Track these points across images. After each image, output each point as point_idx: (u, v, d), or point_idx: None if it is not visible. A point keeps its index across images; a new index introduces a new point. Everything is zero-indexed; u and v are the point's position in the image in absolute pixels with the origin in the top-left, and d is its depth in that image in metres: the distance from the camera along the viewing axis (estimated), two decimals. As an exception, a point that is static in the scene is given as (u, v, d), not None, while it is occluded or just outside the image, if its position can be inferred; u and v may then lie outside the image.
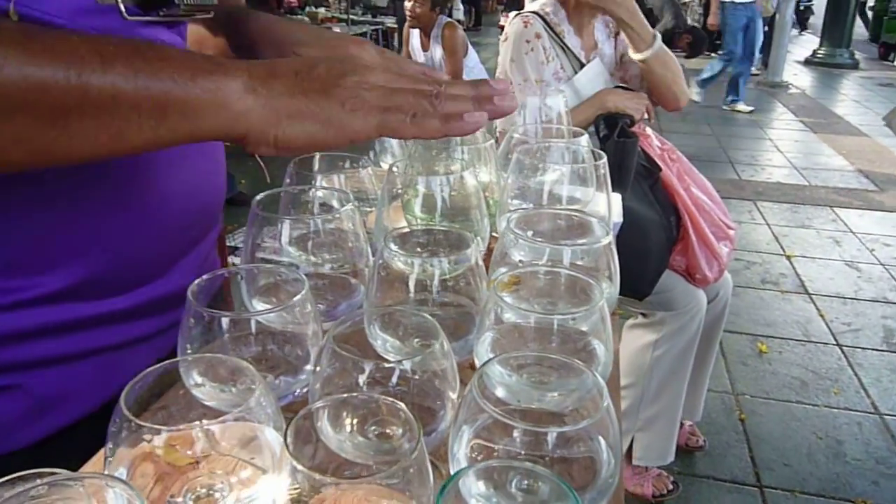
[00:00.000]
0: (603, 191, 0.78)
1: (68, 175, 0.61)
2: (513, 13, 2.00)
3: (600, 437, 0.42)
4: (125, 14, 0.61)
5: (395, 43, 9.03)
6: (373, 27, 8.84)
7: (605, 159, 0.73)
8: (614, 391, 0.73)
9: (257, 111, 0.52)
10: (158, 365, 0.42)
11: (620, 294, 2.00)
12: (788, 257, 3.73)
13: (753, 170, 5.37)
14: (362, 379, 0.45)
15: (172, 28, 0.72)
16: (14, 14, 0.53)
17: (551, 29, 1.85)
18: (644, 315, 1.93)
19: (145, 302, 0.71)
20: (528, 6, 1.94)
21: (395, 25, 9.10)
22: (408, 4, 4.25)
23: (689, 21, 10.57)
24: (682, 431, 2.21)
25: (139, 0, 0.64)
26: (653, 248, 1.75)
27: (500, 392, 0.48)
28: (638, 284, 1.75)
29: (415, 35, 4.45)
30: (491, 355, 0.51)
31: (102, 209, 0.64)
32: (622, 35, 1.90)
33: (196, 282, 0.51)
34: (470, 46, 4.49)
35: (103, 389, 0.66)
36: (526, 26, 1.84)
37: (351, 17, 9.21)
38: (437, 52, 4.30)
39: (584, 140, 0.82)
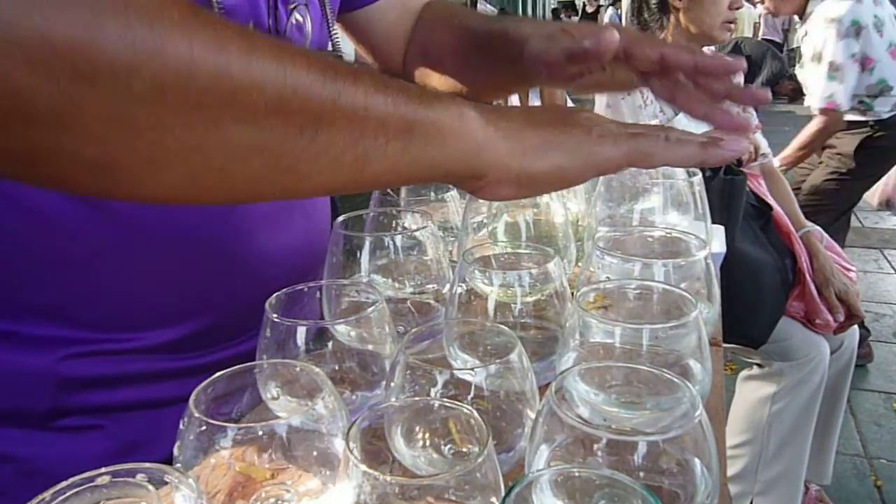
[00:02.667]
0: (701, 218, 0.74)
1: (174, 235, 0.63)
2: (608, 58, 1.99)
3: (696, 459, 0.37)
4: None
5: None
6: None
7: (699, 176, 0.69)
8: (718, 436, 0.67)
9: (499, 142, 0.47)
10: (230, 369, 0.42)
11: (733, 342, 1.89)
12: (925, 309, 3.41)
13: (877, 216, 5.00)
14: (437, 391, 0.43)
15: None
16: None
17: (648, 72, 1.83)
18: (760, 366, 1.80)
19: (239, 355, 0.70)
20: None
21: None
22: None
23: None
24: (808, 497, 2.01)
25: None
26: (767, 292, 1.64)
27: (583, 411, 0.44)
28: (752, 331, 1.64)
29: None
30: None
31: (205, 269, 0.65)
32: None
33: (275, 295, 0.51)
34: (569, 99, 4.49)
35: None
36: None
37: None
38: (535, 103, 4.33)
39: (679, 169, 0.78)
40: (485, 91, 0.83)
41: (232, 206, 0.64)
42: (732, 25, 1.79)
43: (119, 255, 0.62)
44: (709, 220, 0.74)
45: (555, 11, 10.06)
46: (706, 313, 0.56)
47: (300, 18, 0.71)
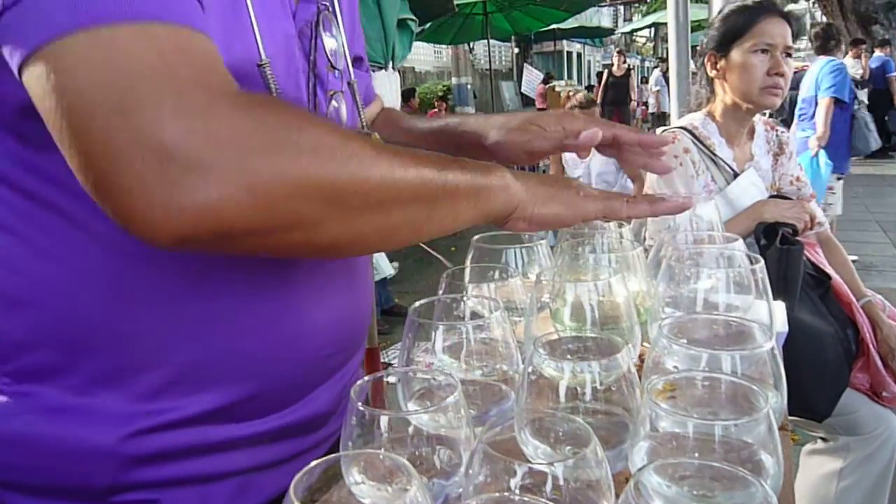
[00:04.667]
0: (763, 298, 0.75)
1: (231, 303, 0.66)
2: (660, 129, 2.02)
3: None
4: None
5: (540, 166, 9.32)
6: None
7: (762, 263, 0.70)
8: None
9: (523, 194, 0.71)
10: (324, 458, 0.44)
11: (796, 415, 1.85)
12: None
13: (944, 279, 4.82)
14: (514, 483, 0.45)
15: None
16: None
17: (701, 142, 1.84)
18: (824, 440, 1.75)
19: (283, 426, 0.73)
20: (677, 122, 1.96)
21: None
22: (567, 106, 4.37)
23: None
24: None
25: None
26: (830, 364, 1.61)
27: (658, 504, 0.45)
28: (816, 404, 1.60)
29: None
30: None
31: (251, 336, 0.68)
32: (784, 156, 1.90)
33: (359, 382, 0.54)
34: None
35: None
36: (674, 142, 1.84)
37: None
38: (599, 160, 4.32)
39: (739, 245, 0.80)
40: None
41: (281, 278, 0.69)
42: (778, 91, 1.79)
43: (182, 321, 0.65)
44: (771, 301, 0.75)
45: (599, 74, 10.26)
46: (774, 402, 0.56)
47: (337, 104, 0.80)
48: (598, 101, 9.46)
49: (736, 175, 1.85)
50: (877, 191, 8.01)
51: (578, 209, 0.74)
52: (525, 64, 14.39)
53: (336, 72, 0.80)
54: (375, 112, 1.05)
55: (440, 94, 13.59)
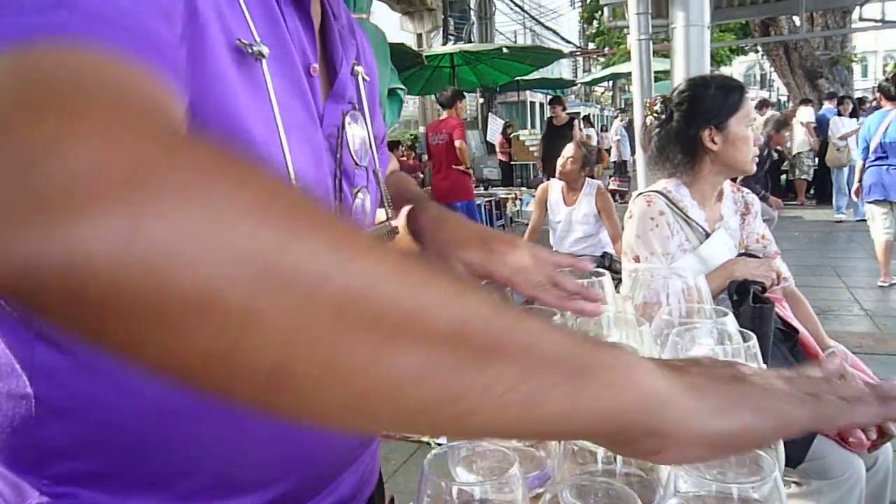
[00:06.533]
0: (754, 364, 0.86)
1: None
2: (635, 193, 2.17)
3: None
4: None
5: (507, 213, 9.53)
6: (486, 199, 9.35)
7: (755, 340, 0.82)
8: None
9: (678, 395, 0.43)
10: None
11: (774, 462, 1.93)
12: (953, 418, 3.42)
13: (895, 323, 5.07)
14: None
15: None
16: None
17: (674, 205, 1.99)
18: (798, 484, 1.86)
19: None
20: (651, 186, 2.11)
21: (506, 196, 9.63)
22: (561, 161, 4.48)
23: (798, 173, 10.66)
24: None
25: None
26: (801, 413, 1.73)
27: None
28: (790, 451, 1.71)
29: (555, 190, 4.62)
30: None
31: (284, 441, 0.68)
32: (750, 215, 2.06)
33: (433, 453, 0.63)
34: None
35: None
36: (649, 205, 1.99)
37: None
38: (582, 210, 4.45)
39: (731, 320, 0.91)
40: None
41: None
42: (757, 158, 2.01)
43: (217, 432, 0.64)
44: (761, 365, 0.86)
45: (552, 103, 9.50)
46: (776, 463, 0.67)
47: (363, 197, 0.79)
48: (540, 154, 9.04)
49: (707, 235, 2.00)
50: (829, 236, 8.39)
51: (780, 419, 0.46)
52: (490, 113, 14.76)
53: (361, 168, 0.80)
54: (387, 175, 1.04)
55: (408, 143, 13.87)
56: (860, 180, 6.24)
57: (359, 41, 0.88)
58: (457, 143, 6.84)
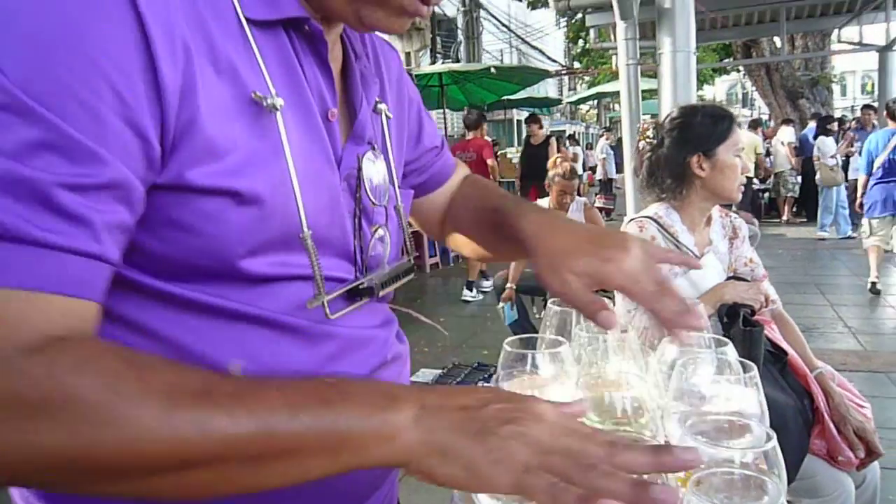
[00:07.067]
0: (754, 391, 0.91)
1: None
2: (626, 218, 2.22)
3: None
4: (328, 313, 0.72)
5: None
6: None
7: (755, 371, 0.87)
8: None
9: (417, 447, 0.56)
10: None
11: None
12: (937, 434, 3.49)
13: (879, 340, 5.16)
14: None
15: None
16: (237, 367, 0.65)
17: (665, 230, 2.05)
18: (789, 502, 1.91)
19: None
20: (643, 211, 2.16)
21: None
22: (556, 170, 4.48)
23: (784, 191, 10.83)
24: None
25: (343, 294, 0.74)
26: (792, 433, 1.78)
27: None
28: (781, 471, 1.76)
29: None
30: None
31: (308, 493, 0.67)
32: (738, 239, 2.12)
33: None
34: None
35: None
36: (641, 230, 2.04)
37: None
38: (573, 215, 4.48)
39: (731, 351, 0.96)
40: (498, 255, 1.07)
41: None
42: (743, 187, 2.08)
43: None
44: (763, 398, 0.90)
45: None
46: (779, 489, 0.72)
47: (382, 233, 0.81)
48: (518, 175, 8.84)
49: (697, 259, 2.06)
50: (813, 254, 8.52)
51: (479, 479, 0.55)
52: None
53: (381, 206, 0.81)
54: (456, 184, 1.09)
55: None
56: (863, 195, 6.45)
57: (385, 75, 0.90)
58: (489, 161, 7.19)
